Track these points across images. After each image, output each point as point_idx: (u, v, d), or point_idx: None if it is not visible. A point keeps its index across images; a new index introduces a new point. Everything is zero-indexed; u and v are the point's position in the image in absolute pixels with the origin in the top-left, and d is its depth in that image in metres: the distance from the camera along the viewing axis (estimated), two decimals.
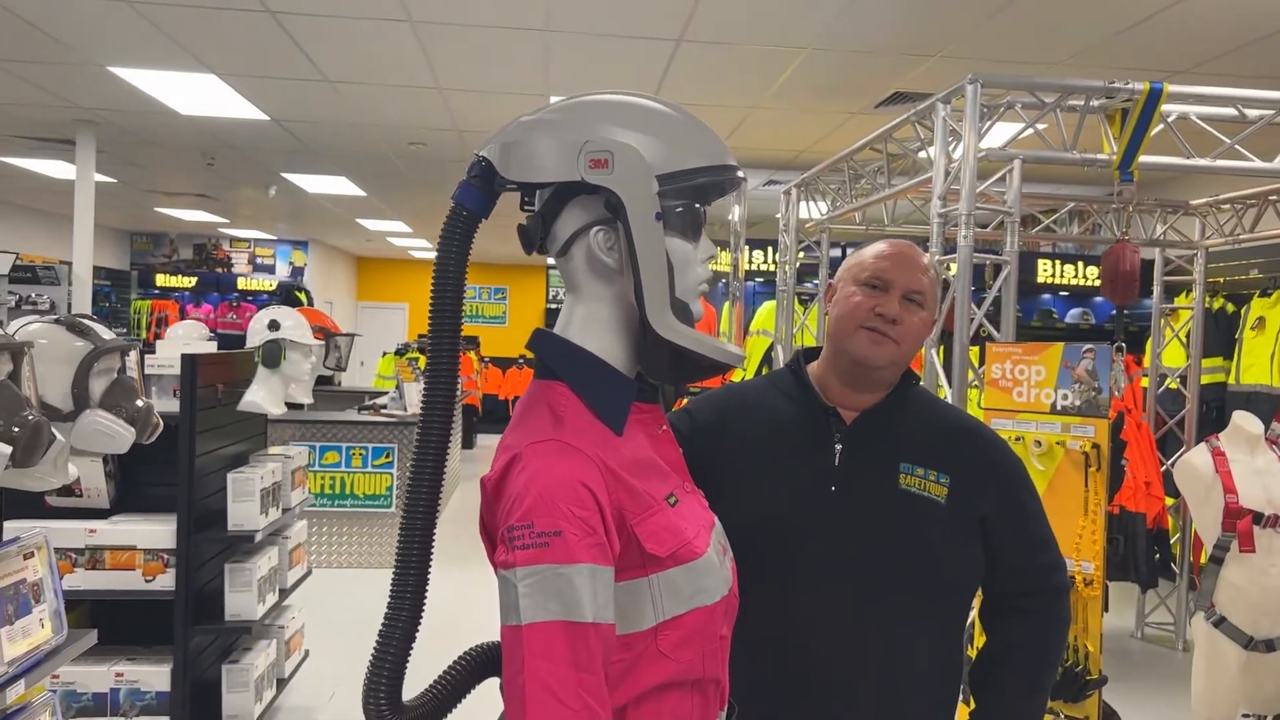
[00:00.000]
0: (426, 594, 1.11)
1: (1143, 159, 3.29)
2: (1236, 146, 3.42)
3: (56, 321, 2.02)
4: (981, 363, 3.09)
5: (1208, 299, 5.76)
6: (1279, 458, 3.36)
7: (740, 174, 1.14)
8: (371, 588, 6.27)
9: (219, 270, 14.68)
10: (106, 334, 2.09)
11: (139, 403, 2.09)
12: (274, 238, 14.62)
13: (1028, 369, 2.94)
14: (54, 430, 1.73)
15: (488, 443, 14.02)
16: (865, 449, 1.47)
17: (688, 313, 1.09)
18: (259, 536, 3.61)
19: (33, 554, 2.11)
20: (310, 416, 6.74)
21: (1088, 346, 2.85)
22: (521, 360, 15.29)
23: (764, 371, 5.21)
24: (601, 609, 0.99)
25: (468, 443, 13.23)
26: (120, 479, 3.68)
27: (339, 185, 9.25)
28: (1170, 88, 3.17)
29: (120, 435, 1.99)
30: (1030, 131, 3.42)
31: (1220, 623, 3.29)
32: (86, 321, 2.07)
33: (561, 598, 0.96)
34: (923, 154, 3.80)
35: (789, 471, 1.46)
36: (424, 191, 9.46)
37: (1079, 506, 2.80)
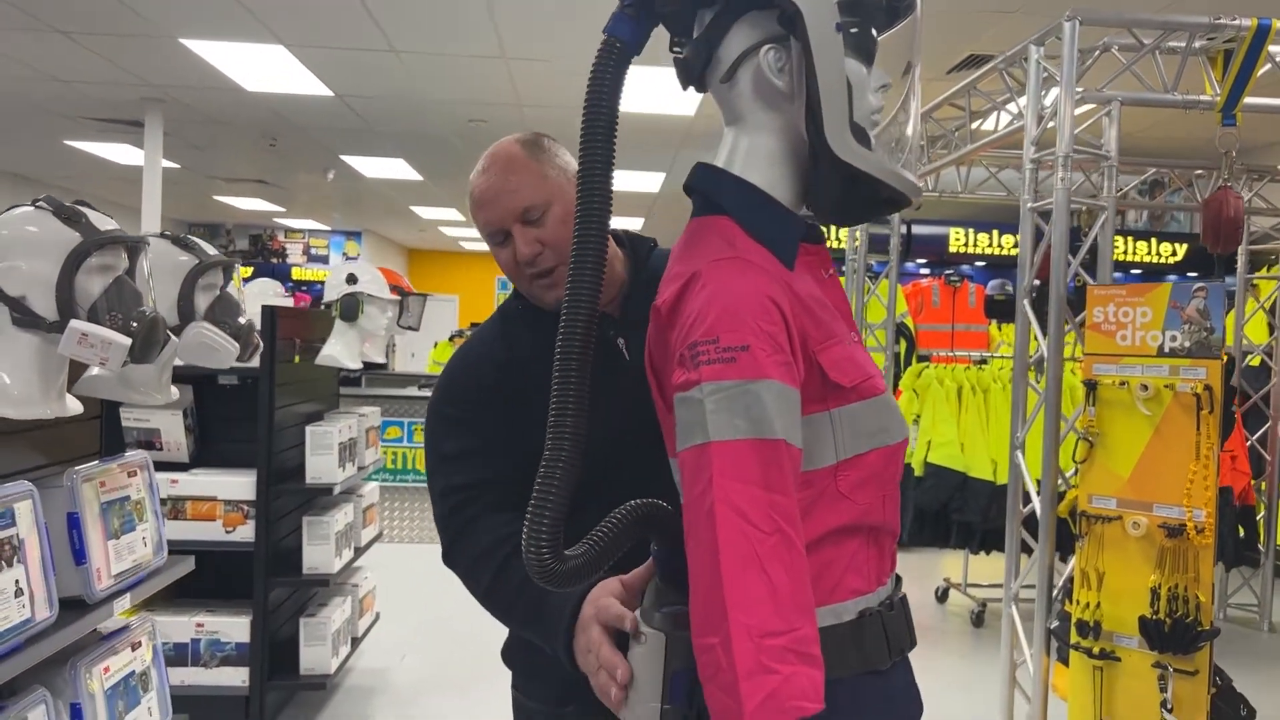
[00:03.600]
0: (585, 435, 1.03)
1: (1247, 101, 3.16)
2: None
3: (162, 235, 2.01)
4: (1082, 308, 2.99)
5: None
6: None
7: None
8: (434, 561, 6.26)
9: (274, 260, 14.87)
10: (210, 250, 2.08)
11: (241, 320, 2.07)
12: (328, 228, 14.77)
13: (1132, 311, 2.83)
14: (168, 331, 1.71)
15: None
16: (644, 324, 1.27)
17: (865, 139, 1.02)
18: (337, 489, 3.60)
19: (135, 473, 2.11)
20: (370, 391, 6.77)
21: (1199, 285, 2.73)
22: None
23: None
24: (791, 430, 0.93)
25: None
26: (199, 434, 3.70)
27: (396, 168, 9.30)
28: (1279, 24, 3.04)
29: (225, 348, 1.97)
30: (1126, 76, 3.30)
31: None
32: (191, 238, 2.06)
33: (749, 414, 0.91)
34: (1011, 107, 3.70)
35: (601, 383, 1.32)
36: None
37: (1189, 451, 2.69)
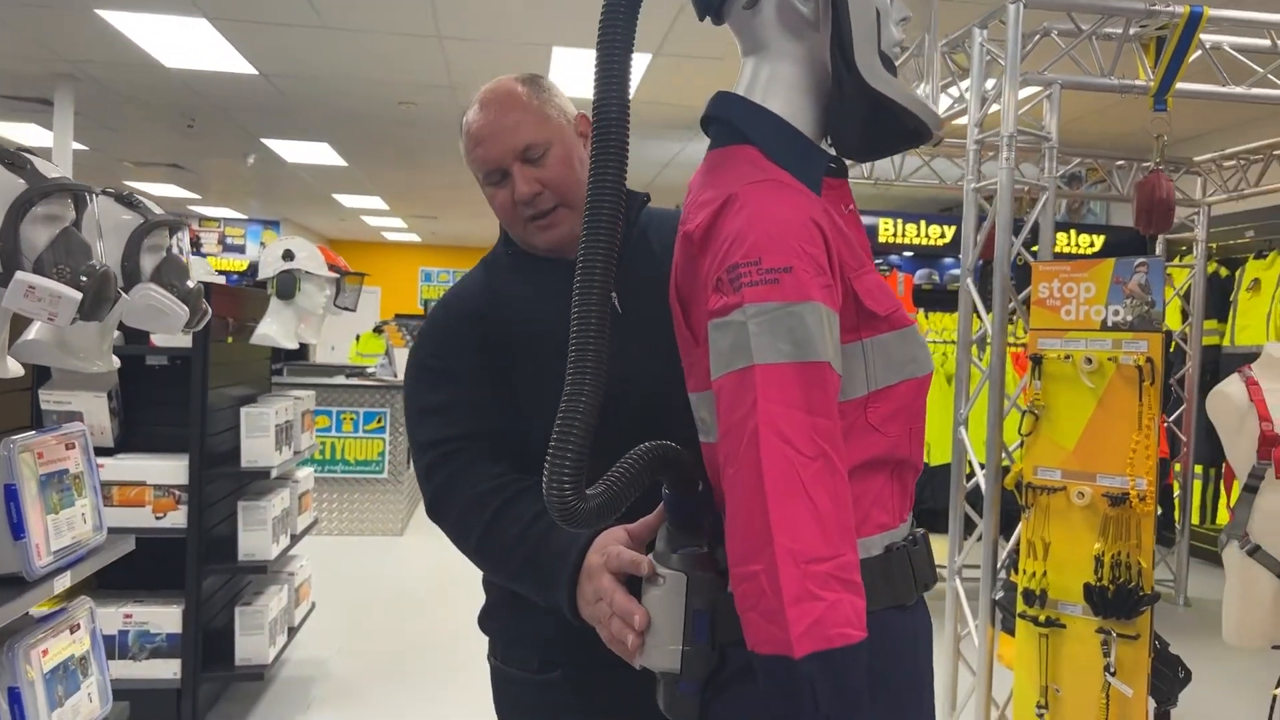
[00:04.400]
0: (606, 372, 1.00)
1: (1179, 86, 3.27)
2: (1270, 76, 3.42)
3: (104, 192, 1.89)
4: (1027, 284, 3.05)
5: None
6: None
7: None
8: (367, 554, 6.18)
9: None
10: (155, 209, 1.97)
11: (190, 283, 1.97)
12: (245, 217, 14.33)
13: (1076, 286, 2.90)
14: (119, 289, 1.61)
15: None
16: (636, 280, 1.28)
17: (892, 68, 1.01)
18: (274, 473, 3.48)
19: (73, 445, 1.99)
20: (295, 380, 6.57)
21: (1140, 260, 2.81)
22: None
23: None
24: (834, 354, 0.91)
25: None
26: (123, 417, 3.54)
27: (320, 153, 9.06)
28: (1210, 11, 3.15)
29: (174, 311, 1.87)
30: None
31: (1255, 551, 3.27)
32: (136, 195, 1.95)
33: (793, 336, 0.88)
34: (952, 91, 3.76)
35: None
36: (407, 163, 9.30)
37: (1132, 422, 2.77)
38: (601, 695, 1.28)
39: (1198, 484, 5.87)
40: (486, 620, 1.45)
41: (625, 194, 1.00)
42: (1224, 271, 6.28)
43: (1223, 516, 5.85)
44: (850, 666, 0.85)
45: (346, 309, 3.97)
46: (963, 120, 3.51)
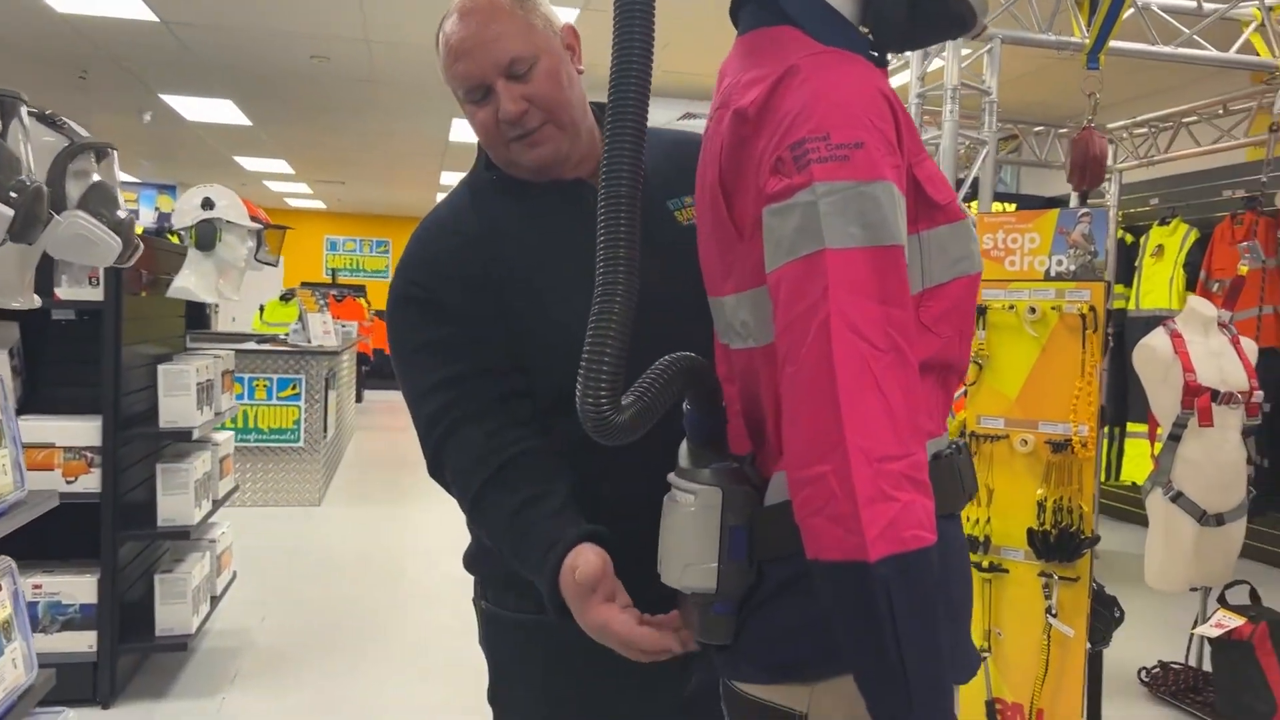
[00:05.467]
0: (638, 274, 0.93)
1: (1112, 44, 3.33)
2: (1195, 37, 3.51)
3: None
4: None
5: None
6: (1230, 340, 3.49)
7: None
8: (285, 525, 5.96)
9: None
10: (82, 131, 1.80)
11: (120, 213, 1.81)
12: (138, 180, 13.62)
13: (1021, 237, 2.93)
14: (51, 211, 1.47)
15: (378, 399, 13.51)
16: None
17: None
18: (195, 434, 3.29)
19: None
20: (203, 346, 6.27)
21: (1084, 210, 2.86)
22: None
23: None
24: (905, 239, 0.85)
25: (358, 396, 12.72)
26: (26, 376, 3.30)
27: (223, 111, 8.64)
28: None
29: (106, 242, 1.72)
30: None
31: (1177, 498, 3.40)
32: (59, 116, 1.78)
33: (866, 219, 0.83)
34: None
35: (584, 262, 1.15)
36: (315, 123, 8.95)
37: (1075, 369, 2.82)
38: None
39: (1105, 442, 6.10)
40: (476, 562, 1.36)
41: (649, 87, 0.93)
42: (1129, 238, 6.50)
43: (1126, 474, 6.10)
44: (926, 571, 0.80)
45: (268, 264, 3.78)
46: (903, 78, 3.52)
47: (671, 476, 1.05)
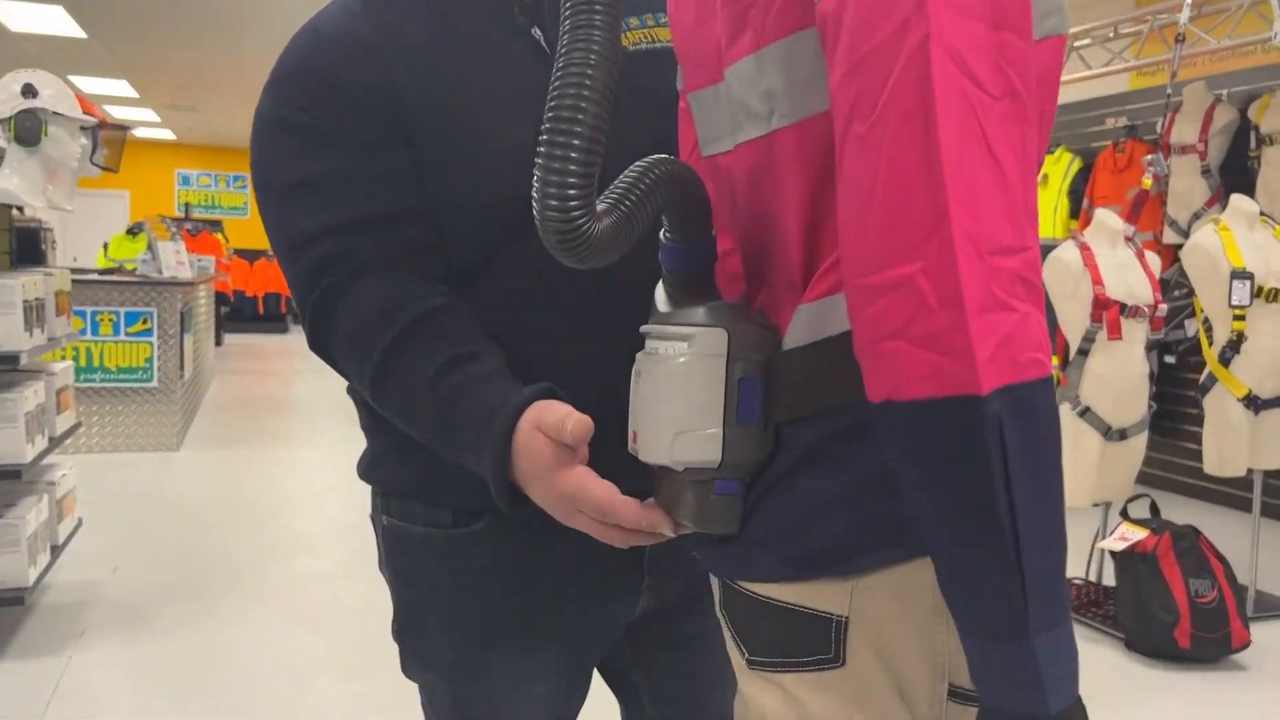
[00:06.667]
0: (618, 37, 0.68)
1: None
2: None
3: None
4: None
5: None
6: (1135, 254, 3.47)
7: None
8: (139, 471, 5.44)
9: None
10: None
11: None
12: None
13: None
14: None
15: (238, 341, 12.77)
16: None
17: None
18: (24, 359, 2.85)
19: None
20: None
21: None
22: (270, 253, 13.97)
23: None
24: None
25: (217, 339, 11.97)
26: None
27: (52, 20, 7.76)
28: None
29: None
30: None
31: (1084, 413, 3.37)
32: None
33: None
34: None
35: (511, 80, 0.98)
36: (162, 37, 8.16)
37: None
38: (548, 546, 0.98)
39: None
40: (376, 469, 1.08)
41: None
42: None
43: None
44: (1049, 413, 0.59)
45: (108, 169, 3.31)
46: None
47: (647, 328, 0.81)
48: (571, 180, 0.66)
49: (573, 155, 0.66)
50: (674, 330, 0.76)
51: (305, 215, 0.94)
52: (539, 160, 0.67)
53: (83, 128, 3.03)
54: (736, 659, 0.77)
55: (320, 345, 0.96)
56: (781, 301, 0.76)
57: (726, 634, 0.78)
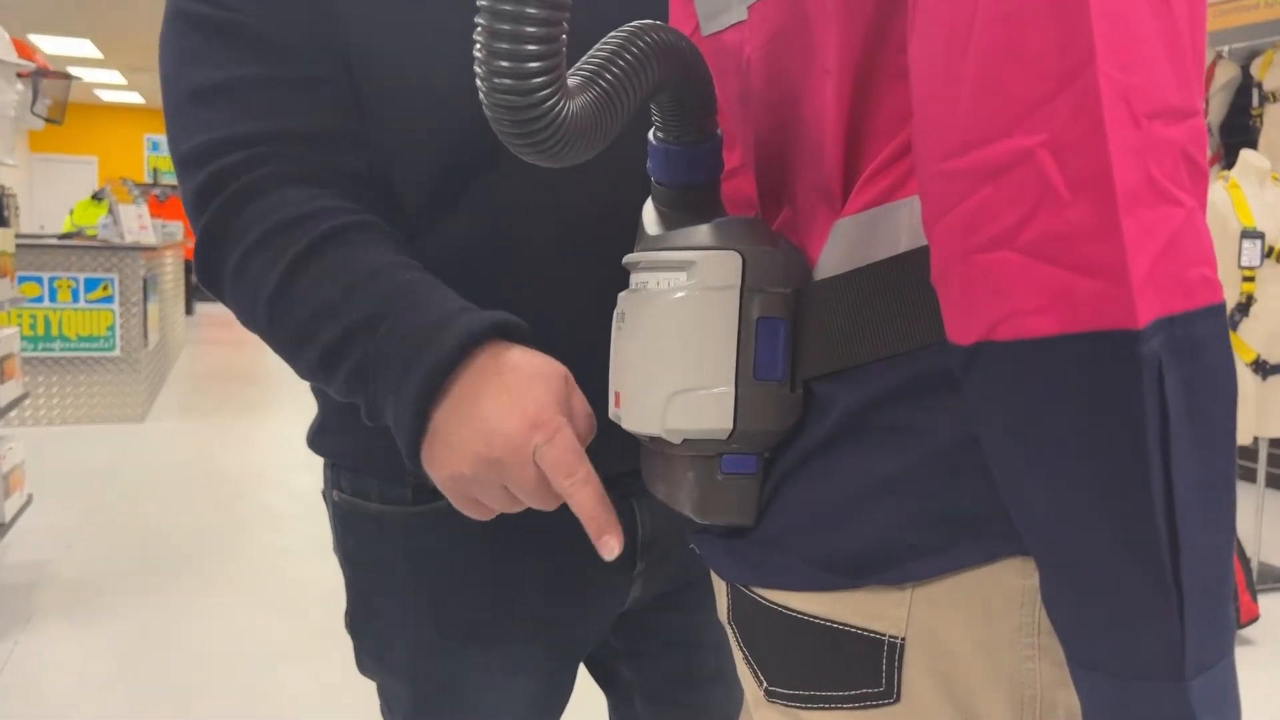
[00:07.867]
0: None
1: None
2: None
3: None
4: None
5: None
6: None
7: None
8: (99, 444, 5.22)
9: None
10: None
11: None
12: None
13: None
14: None
15: (210, 311, 12.49)
16: None
17: None
18: None
19: None
20: None
21: None
22: None
23: None
24: None
25: (187, 308, 11.69)
26: None
27: None
28: None
29: None
30: None
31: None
32: None
33: None
34: None
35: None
36: None
37: None
38: (524, 527, 0.81)
39: None
40: (324, 436, 0.90)
41: None
42: None
43: None
44: (1225, 354, 0.42)
45: (52, 120, 3.09)
46: None
47: (633, 256, 0.63)
48: (530, 32, 0.48)
49: (530, 16, 0.48)
50: (669, 257, 0.58)
51: (196, 127, 0.76)
52: (481, 13, 0.48)
53: (20, 74, 2.80)
54: (751, 687, 0.60)
55: (210, 275, 0.77)
56: (812, 218, 0.58)
57: (737, 653, 0.61)
